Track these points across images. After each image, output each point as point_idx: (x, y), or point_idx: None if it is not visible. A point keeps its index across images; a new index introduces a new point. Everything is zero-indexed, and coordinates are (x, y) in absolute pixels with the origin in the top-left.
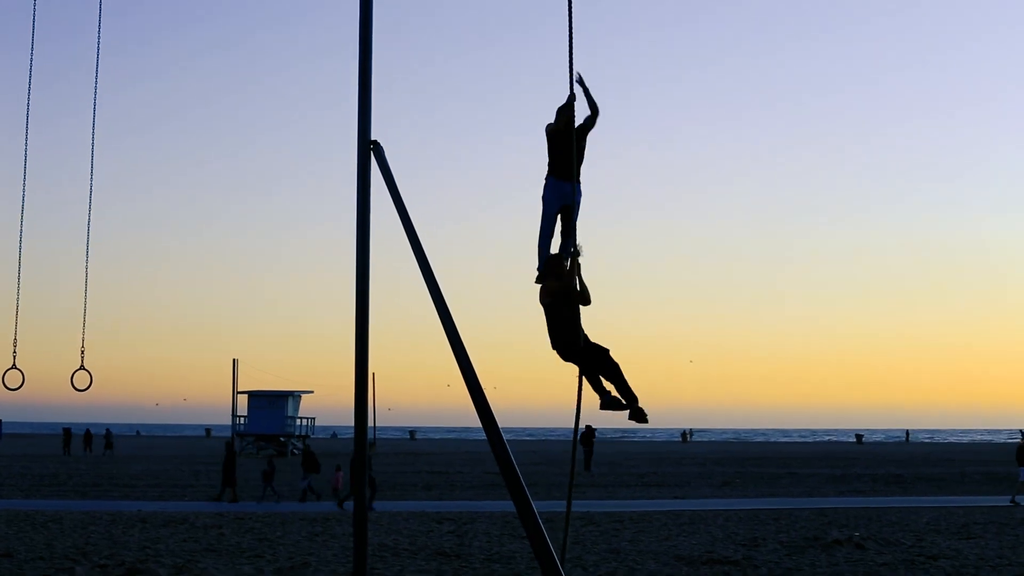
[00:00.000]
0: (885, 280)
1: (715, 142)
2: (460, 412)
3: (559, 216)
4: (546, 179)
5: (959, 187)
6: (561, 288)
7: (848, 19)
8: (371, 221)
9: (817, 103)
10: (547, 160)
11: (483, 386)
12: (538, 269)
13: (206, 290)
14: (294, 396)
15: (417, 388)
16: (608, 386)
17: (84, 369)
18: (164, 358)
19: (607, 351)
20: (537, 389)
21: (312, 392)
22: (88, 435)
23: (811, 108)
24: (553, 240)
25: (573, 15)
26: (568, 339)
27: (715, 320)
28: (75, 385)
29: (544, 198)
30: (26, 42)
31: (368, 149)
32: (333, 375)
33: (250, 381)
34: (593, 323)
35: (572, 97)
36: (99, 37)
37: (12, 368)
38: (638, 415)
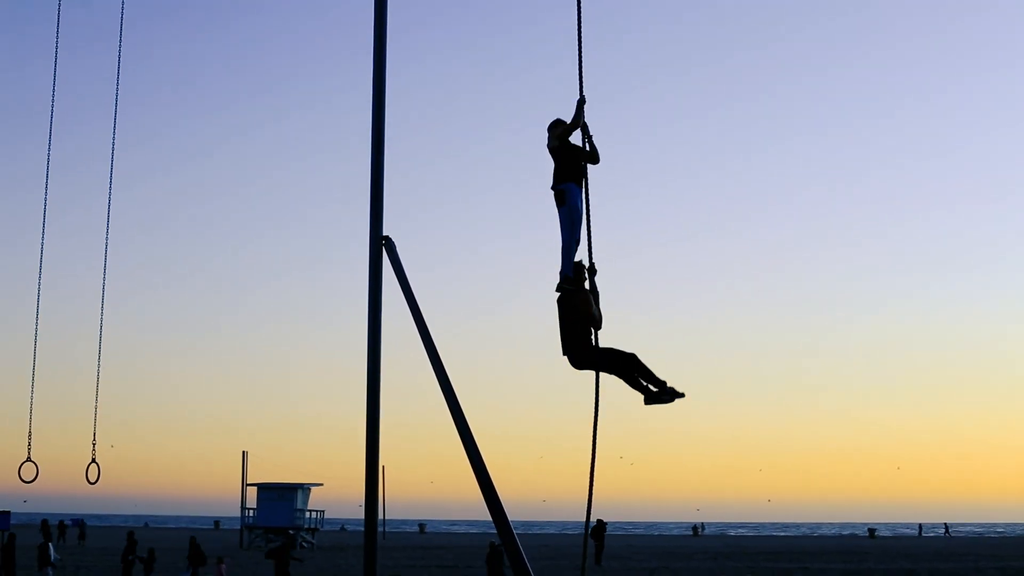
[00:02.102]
0: (899, 373)
1: (741, 235)
2: (470, 504)
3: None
4: (572, 187)
5: (979, 281)
6: (593, 296)
7: (870, 113)
8: (382, 315)
9: (843, 194)
10: (554, 173)
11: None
12: (567, 274)
13: (217, 383)
14: (304, 489)
15: (427, 481)
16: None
17: (95, 463)
18: (175, 450)
19: (618, 350)
20: (549, 482)
21: (322, 485)
22: (62, 526)
23: (837, 199)
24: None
25: (586, 112)
26: (587, 344)
27: (724, 414)
28: (88, 478)
29: (576, 207)
30: (43, 137)
31: (380, 245)
32: (343, 468)
33: (260, 473)
34: (619, 414)
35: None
36: (115, 131)
37: (27, 461)
38: (672, 394)
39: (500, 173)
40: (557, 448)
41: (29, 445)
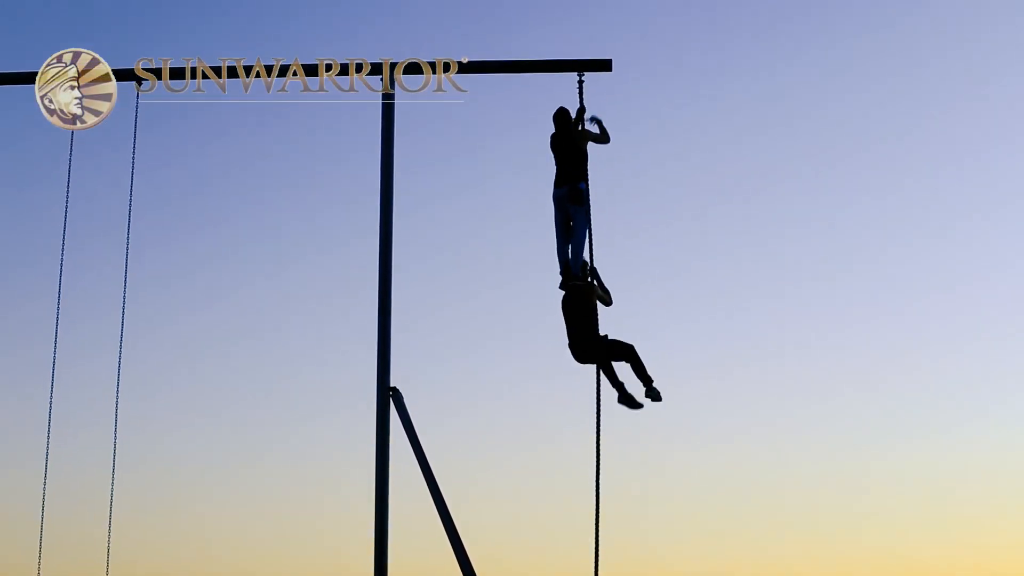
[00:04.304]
0: (945, 505)
1: (776, 366)
2: None
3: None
4: (585, 187)
5: None
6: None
7: (927, 235)
8: (390, 467)
9: (889, 320)
10: (557, 170)
11: None
12: (576, 272)
13: (220, 538)
14: None
15: None
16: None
17: None
18: None
19: (616, 340)
20: None
21: None
22: None
23: (882, 326)
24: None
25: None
26: (594, 333)
27: (755, 547)
28: None
29: (588, 204)
30: (53, 287)
31: (387, 396)
32: None
33: None
34: (634, 549)
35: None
36: (125, 281)
37: None
38: (654, 395)
39: (509, 325)
40: None
41: None
